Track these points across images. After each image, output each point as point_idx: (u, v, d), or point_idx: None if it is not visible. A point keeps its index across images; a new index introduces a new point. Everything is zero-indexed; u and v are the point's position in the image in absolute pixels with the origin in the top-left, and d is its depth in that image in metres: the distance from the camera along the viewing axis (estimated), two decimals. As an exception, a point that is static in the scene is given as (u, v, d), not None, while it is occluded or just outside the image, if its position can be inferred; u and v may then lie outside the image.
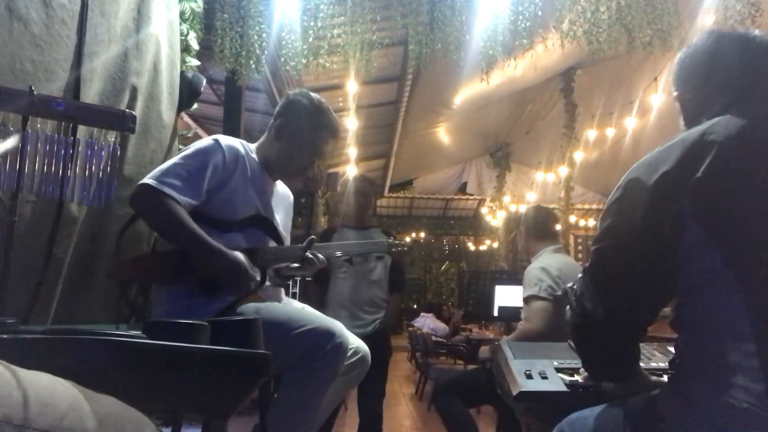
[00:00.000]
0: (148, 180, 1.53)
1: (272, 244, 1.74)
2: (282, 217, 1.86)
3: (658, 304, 1.01)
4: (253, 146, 1.82)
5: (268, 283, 1.70)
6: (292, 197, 1.99)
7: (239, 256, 1.55)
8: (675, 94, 1.19)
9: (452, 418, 2.59)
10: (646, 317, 1.02)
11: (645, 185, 0.96)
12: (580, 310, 1.02)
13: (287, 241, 1.86)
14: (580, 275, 1.06)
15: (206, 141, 1.68)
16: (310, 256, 1.73)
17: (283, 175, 1.86)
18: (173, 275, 1.57)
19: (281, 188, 1.91)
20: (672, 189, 0.93)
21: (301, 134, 1.78)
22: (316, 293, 3.02)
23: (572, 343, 1.53)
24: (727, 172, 0.91)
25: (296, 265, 1.78)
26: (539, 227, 2.71)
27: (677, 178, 0.93)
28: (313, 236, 1.82)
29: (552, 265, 2.49)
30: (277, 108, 1.85)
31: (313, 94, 1.85)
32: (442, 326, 7.74)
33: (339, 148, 6.98)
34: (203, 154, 1.62)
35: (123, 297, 1.58)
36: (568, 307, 1.07)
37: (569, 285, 1.09)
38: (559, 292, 2.38)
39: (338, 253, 1.99)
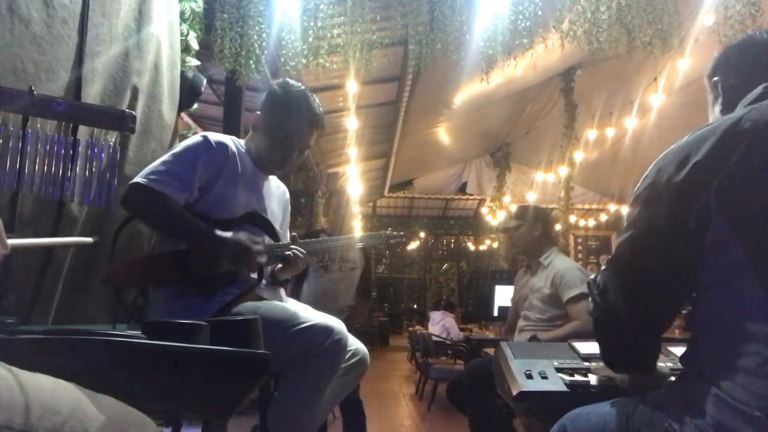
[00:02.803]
0: (138, 179, 1.52)
1: (269, 241, 1.72)
2: (277, 212, 1.83)
3: (681, 298, 0.99)
4: (242, 142, 1.79)
5: (265, 281, 1.69)
6: (287, 193, 1.95)
7: (240, 236, 1.54)
8: (715, 79, 1.16)
9: (476, 406, 2.48)
10: (669, 312, 1.00)
11: (675, 176, 0.93)
12: (604, 304, 1.01)
13: (286, 238, 1.85)
14: (603, 267, 1.05)
15: (195, 138, 1.66)
16: (289, 253, 1.68)
17: (267, 169, 1.80)
18: (169, 277, 1.56)
19: (275, 183, 1.88)
20: (701, 181, 0.90)
21: (276, 126, 1.71)
22: (290, 291, 3.09)
23: (575, 343, 1.54)
24: (759, 162, 0.88)
25: (280, 265, 1.74)
26: (552, 229, 2.82)
27: (708, 168, 0.90)
28: (294, 233, 1.80)
29: (578, 265, 2.67)
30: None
31: (292, 83, 1.77)
32: (456, 330, 7.57)
33: (338, 148, 6.98)
34: (192, 150, 1.61)
35: (119, 301, 1.57)
36: (590, 299, 1.06)
37: (591, 277, 1.08)
38: None
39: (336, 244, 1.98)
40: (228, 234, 1.53)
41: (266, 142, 1.73)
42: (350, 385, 1.74)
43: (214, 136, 1.67)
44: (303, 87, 1.77)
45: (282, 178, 1.96)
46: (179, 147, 1.63)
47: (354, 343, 1.69)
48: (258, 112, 1.76)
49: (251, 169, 1.73)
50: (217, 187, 1.62)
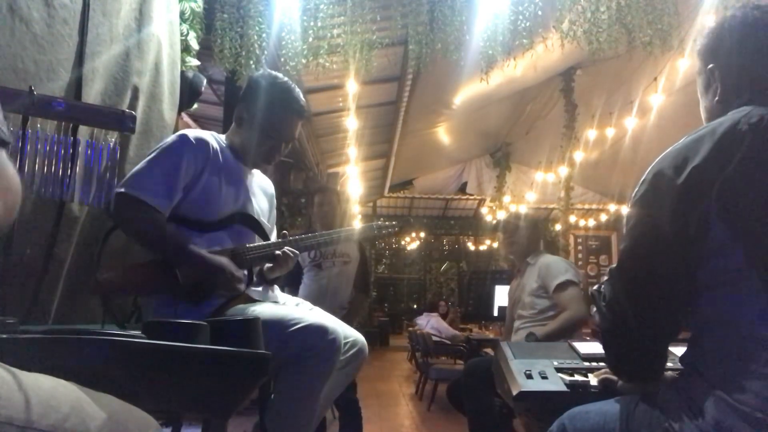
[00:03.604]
0: (123, 188, 1.48)
1: (258, 240, 1.69)
2: (264, 207, 1.81)
3: (687, 303, 0.98)
4: (223, 137, 1.74)
5: (255, 280, 1.68)
6: (272, 186, 1.92)
7: (223, 260, 1.52)
8: (709, 66, 1.08)
9: (475, 405, 2.53)
10: (679, 315, 0.99)
11: (673, 180, 0.91)
12: (610, 314, 1.00)
13: (273, 232, 1.83)
14: (606, 277, 1.04)
15: (173, 138, 1.61)
16: (279, 253, 1.65)
17: (253, 163, 1.76)
18: (157, 285, 1.53)
19: (259, 176, 1.85)
20: (700, 186, 0.89)
21: (260, 118, 1.67)
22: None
23: (575, 343, 1.54)
24: (757, 166, 0.87)
25: (269, 264, 1.71)
26: (542, 235, 3.04)
27: (706, 173, 0.88)
28: (285, 231, 1.78)
29: (563, 258, 2.85)
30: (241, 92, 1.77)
31: (273, 73, 1.74)
32: (445, 326, 7.61)
33: (338, 148, 6.98)
34: (173, 152, 1.56)
35: (108, 307, 1.54)
36: (595, 309, 1.05)
37: (595, 287, 1.07)
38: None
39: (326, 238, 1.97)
40: (209, 256, 1.50)
41: (253, 135, 1.69)
42: (350, 377, 1.73)
43: (193, 133, 1.63)
44: (285, 78, 1.75)
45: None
46: (159, 150, 1.57)
47: (352, 334, 1.67)
48: (239, 104, 1.72)
49: (233, 163, 1.70)
50: (201, 184, 1.59)
